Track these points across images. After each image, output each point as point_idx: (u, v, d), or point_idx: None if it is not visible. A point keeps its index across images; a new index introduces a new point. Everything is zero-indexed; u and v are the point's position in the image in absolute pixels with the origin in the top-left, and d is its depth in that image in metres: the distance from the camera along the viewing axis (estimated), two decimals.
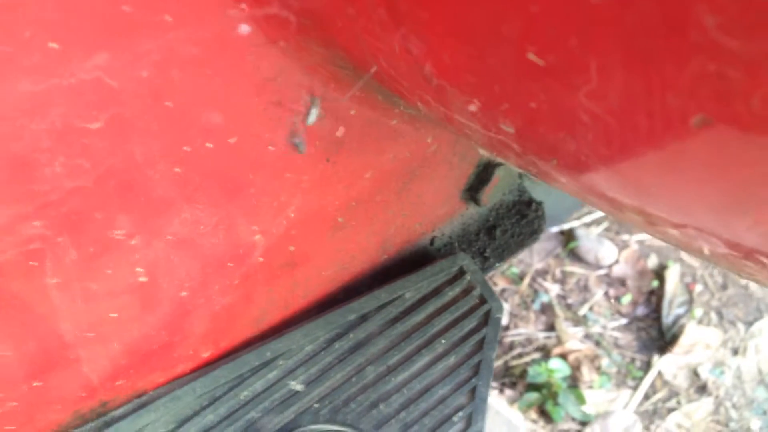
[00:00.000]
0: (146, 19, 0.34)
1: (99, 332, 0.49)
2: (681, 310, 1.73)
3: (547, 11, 0.25)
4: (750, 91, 0.22)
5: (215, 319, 0.56)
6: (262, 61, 0.41)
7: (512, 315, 1.71)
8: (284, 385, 0.60)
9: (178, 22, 0.36)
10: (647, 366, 1.64)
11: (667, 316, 1.71)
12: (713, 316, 1.73)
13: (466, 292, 0.69)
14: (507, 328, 1.68)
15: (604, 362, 1.63)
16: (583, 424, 1.52)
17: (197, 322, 0.55)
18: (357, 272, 0.67)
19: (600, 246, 1.82)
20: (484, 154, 0.67)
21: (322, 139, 0.50)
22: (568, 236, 1.85)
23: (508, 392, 1.56)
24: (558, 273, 1.80)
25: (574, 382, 1.59)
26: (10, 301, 0.42)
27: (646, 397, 1.59)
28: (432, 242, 0.73)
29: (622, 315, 1.73)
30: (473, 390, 0.65)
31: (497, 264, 0.76)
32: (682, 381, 1.61)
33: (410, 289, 0.66)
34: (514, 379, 1.58)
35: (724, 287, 1.79)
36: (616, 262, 1.82)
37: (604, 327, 1.70)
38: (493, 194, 0.72)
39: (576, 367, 1.60)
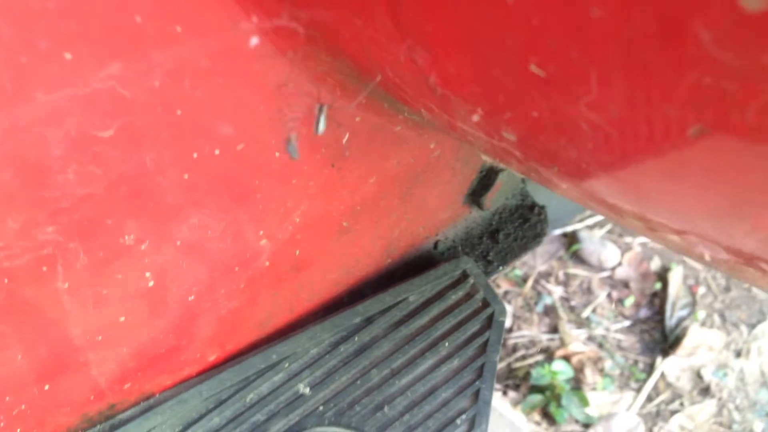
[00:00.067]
0: (159, 30, 0.35)
1: (108, 336, 0.49)
2: (684, 313, 1.73)
3: (548, 24, 0.26)
4: (745, 102, 0.23)
5: (221, 323, 0.57)
6: (270, 70, 0.42)
7: (515, 317, 1.71)
8: (290, 387, 0.61)
9: (189, 33, 0.36)
10: (650, 368, 1.64)
11: (670, 319, 1.72)
12: (716, 318, 1.73)
13: (470, 295, 0.69)
14: (510, 330, 1.68)
15: (608, 364, 1.63)
16: (587, 426, 1.52)
17: (204, 326, 0.56)
18: (361, 276, 0.68)
19: (603, 248, 1.82)
20: (487, 159, 0.68)
21: (328, 145, 0.51)
22: (571, 239, 1.85)
23: (512, 394, 1.56)
24: (561, 275, 1.80)
25: (577, 384, 1.59)
26: (22, 306, 0.43)
27: (649, 399, 1.59)
28: (436, 246, 0.74)
29: (625, 317, 1.73)
30: (476, 393, 0.66)
31: (500, 267, 0.77)
32: (685, 383, 1.61)
33: (414, 292, 0.67)
34: (517, 381, 1.59)
35: (727, 289, 1.79)
36: (619, 264, 1.82)
37: (607, 329, 1.70)
38: (496, 198, 0.73)
39: (579, 369, 1.60)
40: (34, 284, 0.42)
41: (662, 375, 1.62)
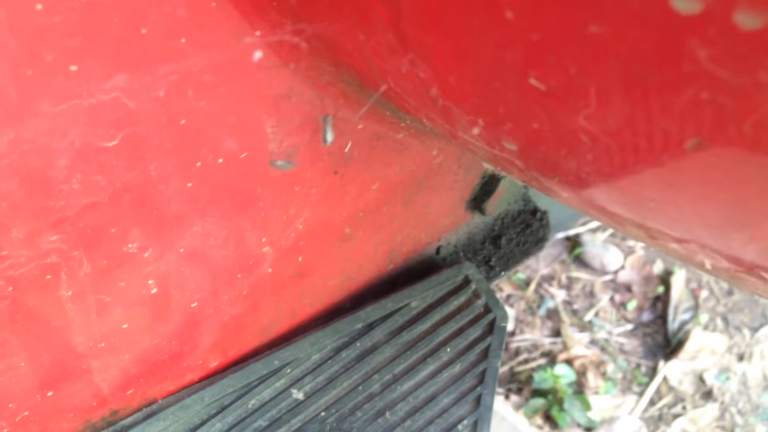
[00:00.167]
0: (164, 43, 0.36)
1: (111, 343, 0.50)
2: (686, 316, 1.73)
3: (547, 40, 0.26)
4: (742, 117, 0.23)
5: (224, 329, 0.57)
6: (273, 81, 0.42)
7: (518, 321, 1.71)
8: (291, 393, 0.61)
9: (194, 46, 0.37)
10: (653, 372, 1.64)
11: (673, 322, 1.71)
12: (719, 321, 1.73)
13: (471, 301, 0.69)
14: (513, 333, 1.68)
15: (610, 368, 1.63)
16: (589, 429, 1.52)
17: (206, 332, 0.56)
18: (364, 281, 0.68)
19: (605, 252, 1.82)
20: (489, 166, 0.68)
21: (331, 153, 0.51)
22: (574, 242, 1.85)
23: (514, 398, 1.56)
24: (564, 279, 1.80)
25: (579, 387, 1.59)
26: (26, 314, 0.43)
27: (652, 402, 1.59)
28: (438, 251, 0.74)
29: (627, 321, 1.73)
30: (478, 399, 0.66)
31: (503, 273, 0.77)
32: (687, 387, 1.61)
33: (416, 298, 0.67)
34: (519, 385, 1.59)
35: (729, 293, 1.79)
36: (622, 267, 1.82)
37: (610, 333, 1.70)
38: (498, 204, 0.73)
39: (582, 373, 1.60)
40: (38, 292, 0.42)
41: (665, 379, 1.62)
